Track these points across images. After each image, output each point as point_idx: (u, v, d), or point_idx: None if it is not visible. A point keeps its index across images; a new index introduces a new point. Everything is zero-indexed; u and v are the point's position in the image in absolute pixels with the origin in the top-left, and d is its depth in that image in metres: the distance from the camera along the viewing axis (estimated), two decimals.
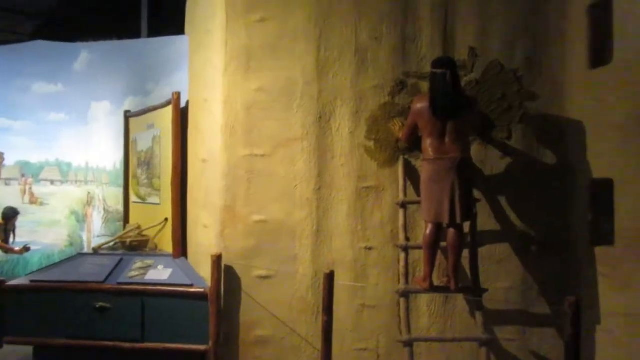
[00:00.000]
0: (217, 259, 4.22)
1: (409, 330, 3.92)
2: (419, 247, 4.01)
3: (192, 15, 5.17)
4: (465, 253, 4.03)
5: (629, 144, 3.73)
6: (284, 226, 4.33)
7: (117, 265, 4.85)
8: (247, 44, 4.36)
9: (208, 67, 4.66)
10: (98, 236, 6.60)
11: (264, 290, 4.31)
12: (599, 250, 4.03)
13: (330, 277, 3.57)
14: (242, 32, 4.37)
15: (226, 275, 4.31)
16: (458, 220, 3.76)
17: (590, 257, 4.09)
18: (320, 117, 4.34)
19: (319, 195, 4.33)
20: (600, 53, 4.02)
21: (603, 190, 3.95)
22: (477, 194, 4.16)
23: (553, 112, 4.26)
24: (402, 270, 4.06)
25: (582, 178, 4.16)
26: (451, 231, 3.83)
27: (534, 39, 4.26)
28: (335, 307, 3.71)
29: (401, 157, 4.24)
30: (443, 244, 3.94)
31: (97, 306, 4.48)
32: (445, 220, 3.77)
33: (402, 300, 4.00)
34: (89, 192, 6.92)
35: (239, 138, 4.38)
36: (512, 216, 4.27)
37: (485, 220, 4.24)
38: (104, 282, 4.62)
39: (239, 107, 4.38)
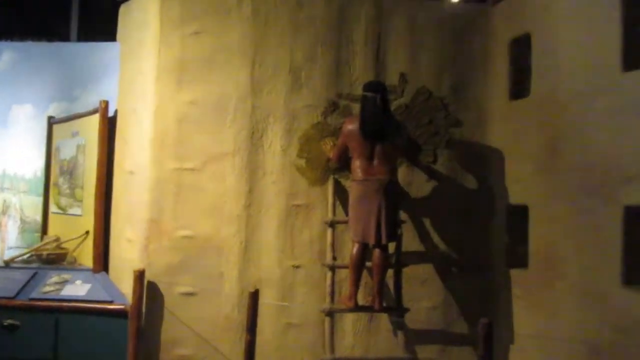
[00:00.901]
0: (139, 275, 4.07)
1: (332, 350, 3.94)
2: (346, 267, 4.06)
3: (125, 22, 5.03)
4: (390, 273, 4.13)
5: (542, 172, 3.96)
6: (211, 242, 4.25)
7: (30, 279, 4.55)
8: (181, 56, 4.30)
9: (139, 77, 4.53)
10: (11, 248, 6.20)
11: (188, 308, 4.20)
12: (514, 273, 4.24)
13: (255, 296, 3.54)
14: (176, 44, 4.30)
15: (148, 292, 4.17)
16: (384, 241, 3.85)
17: (506, 279, 4.29)
18: (253, 134, 4.33)
19: (248, 212, 4.30)
20: (520, 86, 4.28)
21: (519, 215, 4.17)
22: (403, 215, 4.28)
23: (476, 139, 4.49)
24: (328, 289, 4.08)
25: (500, 203, 4.38)
26: (377, 251, 3.90)
27: (460, 70, 4.49)
28: (260, 326, 3.68)
29: (331, 177, 4.30)
30: (369, 263, 4.01)
31: (6, 324, 4.20)
32: (372, 240, 3.84)
33: (327, 319, 4.02)
34: (4, 200, 6.50)
35: (168, 151, 4.28)
36: (436, 238, 4.42)
37: (410, 241, 4.36)
38: (14, 297, 4.32)
39: (170, 120, 4.29)
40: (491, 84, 4.48)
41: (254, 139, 4.33)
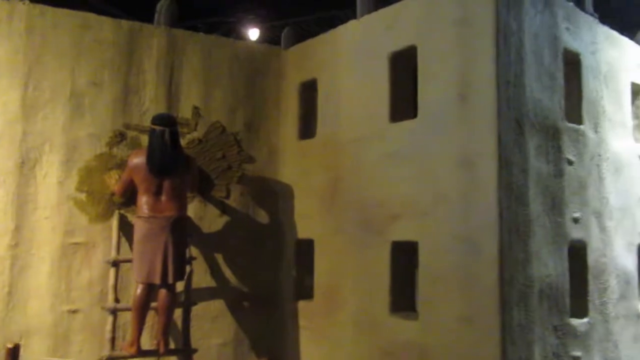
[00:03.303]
0: None
1: None
2: (129, 309, 3.79)
3: None
4: (179, 312, 3.97)
5: (325, 208, 4.23)
6: None
7: None
8: None
9: None
10: None
11: None
12: (301, 305, 4.42)
13: (13, 352, 3.08)
14: None
15: None
16: (170, 281, 3.69)
17: (294, 311, 4.45)
18: (23, 163, 3.84)
19: (14, 252, 3.77)
20: (308, 127, 4.55)
21: (306, 249, 4.38)
22: (194, 251, 4.17)
23: (268, 175, 4.62)
24: (108, 334, 3.75)
25: (290, 237, 4.55)
26: (162, 292, 3.72)
27: (254, 107, 4.60)
28: None
29: (116, 212, 4.01)
30: (155, 304, 3.80)
31: None
32: (157, 280, 3.66)
33: None
34: None
35: None
36: (228, 273, 4.40)
37: (201, 278, 4.27)
38: None
39: None
40: (283, 123, 4.68)
41: (25, 169, 3.84)
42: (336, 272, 4.11)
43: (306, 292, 4.42)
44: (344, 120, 4.14)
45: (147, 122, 4.04)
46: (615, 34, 4.23)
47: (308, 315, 4.35)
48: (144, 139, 4.05)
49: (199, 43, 4.42)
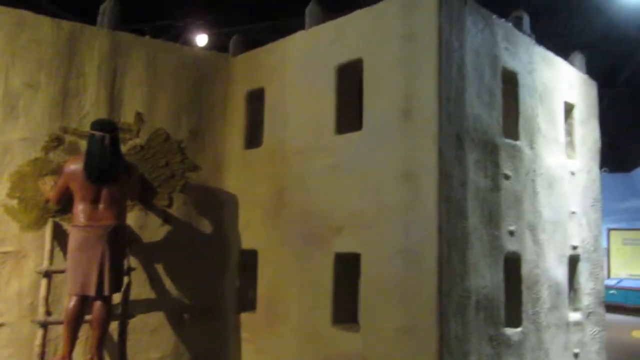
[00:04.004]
0: None
1: None
2: (61, 322, 3.61)
3: None
4: (115, 325, 3.83)
5: (270, 219, 4.21)
6: None
7: None
8: None
9: None
10: None
11: None
12: (244, 316, 4.36)
13: None
14: None
15: None
16: (106, 292, 3.55)
17: (237, 323, 4.38)
18: None
19: None
20: (254, 136, 4.51)
21: (250, 260, 4.34)
22: (133, 261, 4.04)
23: (213, 185, 4.54)
24: (37, 349, 3.56)
25: (234, 247, 4.49)
26: (97, 304, 3.57)
27: (199, 115, 4.52)
28: None
29: (50, 220, 3.83)
30: (89, 317, 3.65)
31: None
32: (92, 292, 3.51)
33: None
34: None
35: None
36: (168, 284, 4.29)
37: (141, 289, 4.14)
38: None
39: None
40: (229, 131, 4.62)
41: None
42: (280, 283, 4.09)
43: (249, 304, 4.37)
44: (290, 130, 4.14)
45: (86, 127, 3.90)
46: (550, 54, 4.44)
47: (250, 328, 4.30)
48: (83, 144, 3.90)
49: (144, 47, 4.31)
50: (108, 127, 3.67)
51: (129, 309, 3.89)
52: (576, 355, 4.31)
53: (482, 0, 3.80)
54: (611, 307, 11.67)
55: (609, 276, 13.77)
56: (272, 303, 4.13)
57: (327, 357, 3.67)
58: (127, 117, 4.20)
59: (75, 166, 3.61)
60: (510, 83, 3.98)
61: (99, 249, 3.52)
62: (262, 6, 7.84)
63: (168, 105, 4.38)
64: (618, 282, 13.42)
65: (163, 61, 4.38)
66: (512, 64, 3.96)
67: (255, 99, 4.51)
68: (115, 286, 3.62)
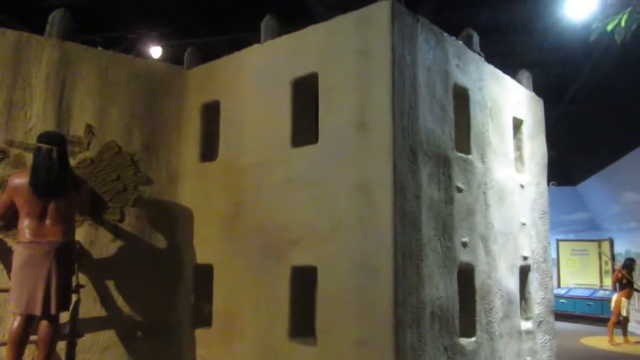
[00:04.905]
0: None
1: None
2: (5, 344, 3.44)
3: None
4: (63, 345, 3.67)
5: (226, 233, 4.15)
6: None
7: None
8: None
9: None
10: None
11: None
12: (199, 332, 4.26)
13: None
14: None
15: None
16: (53, 311, 3.41)
17: (192, 339, 4.28)
18: None
19: None
20: (210, 149, 4.46)
21: (205, 275, 4.25)
22: (82, 278, 3.90)
23: (167, 198, 4.45)
24: None
25: (189, 262, 4.40)
26: (43, 324, 3.43)
27: (152, 127, 4.43)
28: None
29: None
30: (34, 337, 3.49)
31: None
32: (37, 311, 3.36)
33: None
34: None
35: None
36: (120, 301, 4.15)
37: (90, 307, 3.99)
38: None
39: None
40: (184, 144, 4.55)
41: None
42: (236, 298, 4.03)
43: (205, 320, 4.28)
44: (246, 143, 4.11)
45: (32, 140, 3.77)
46: (499, 72, 4.60)
47: (206, 344, 4.20)
48: (29, 158, 3.77)
49: (95, 58, 4.22)
50: (55, 140, 3.55)
51: (77, 328, 3.75)
52: None
53: (434, 18, 3.91)
54: (561, 316, 12.10)
55: (558, 285, 14.26)
56: (228, 318, 4.06)
57: None
58: (76, 129, 4.09)
59: (20, 180, 3.47)
60: (461, 98, 4.10)
61: (46, 266, 3.38)
62: (217, 19, 7.81)
63: (120, 118, 4.28)
64: (567, 291, 13.90)
65: (115, 73, 4.30)
66: (462, 80, 4.08)
67: (211, 111, 4.47)
68: (63, 304, 3.48)
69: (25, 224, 3.44)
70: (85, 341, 3.91)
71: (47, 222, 3.48)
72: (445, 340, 3.56)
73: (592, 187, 14.43)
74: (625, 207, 12.68)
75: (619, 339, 9.77)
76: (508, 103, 4.67)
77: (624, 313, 9.77)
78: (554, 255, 13.75)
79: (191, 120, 4.55)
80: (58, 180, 3.49)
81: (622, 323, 9.86)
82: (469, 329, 3.83)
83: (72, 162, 3.87)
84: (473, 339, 3.82)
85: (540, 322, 4.72)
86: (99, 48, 4.38)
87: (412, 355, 3.24)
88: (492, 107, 4.39)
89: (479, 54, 4.37)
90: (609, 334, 9.81)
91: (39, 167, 3.46)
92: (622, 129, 10.36)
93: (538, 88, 5.30)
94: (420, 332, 3.34)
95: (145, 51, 8.28)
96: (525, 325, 4.51)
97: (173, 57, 7.58)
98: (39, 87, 3.97)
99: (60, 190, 3.50)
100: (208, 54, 4.83)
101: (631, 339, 9.98)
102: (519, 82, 5.00)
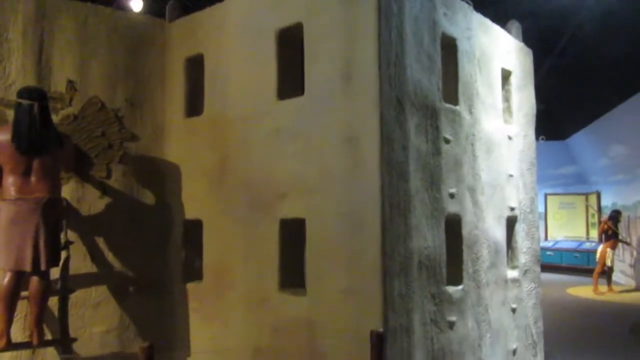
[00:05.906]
0: None
1: None
2: None
3: None
4: (55, 300, 3.71)
5: (214, 188, 4.14)
6: None
7: None
8: None
9: None
10: None
11: None
12: (190, 287, 4.31)
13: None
14: None
15: None
16: (43, 267, 3.42)
17: (183, 293, 4.33)
18: None
19: None
20: (195, 104, 4.40)
21: (194, 230, 4.27)
22: (71, 235, 3.90)
23: (153, 154, 4.41)
24: None
25: (177, 218, 4.41)
26: (34, 279, 3.45)
27: (135, 82, 4.35)
28: None
29: None
30: (26, 293, 3.52)
31: None
32: (27, 267, 3.38)
33: None
34: None
35: None
36: (110, 257, 4.18)
37: (80, 263, 4.02)
38: None
39: None
40: (168, 99, 4.48)
41: None
42: (226, 252, 4.06)
43: (196, 274, 4.32)
44: (231, 97, 4.05)
45: (13, 96, 3.69)
46: (488, 21, 4.53)
47: (198, 297, 4.26)
48: (10, 115, 3.70)
49: (73, 11, 4.09)
50: (36, 95, 3.48)
51: (68, 284, 3.77)
52: (514, 310, 4.54)
53: None
54: (548, 268, 12.38)
55: (546, 238, 14.53)
56: (219, 271, 4.10)
57: (274, 322, 3.70)
58: (57, 85, 4.00)
59: (2, 137, 3.41)
60: (449, 49, 4.04)
61: (33, 222, 3.38)
62: None
63: (102, 73, 4.19)
64: (554, 244, 14.18)
65: (95, 26, 4.18)
66: (450, 29, 4.01)
67: (195, 65, 4.38)
68: (52, 260, 3.50)
69: (10, 181, 3.41)
70: (77, 296, 3.95)
71: (32, 178, 3.45)
72: (433, 289, 3.63)
73: (580, 140, 14.52)
74: (613, 160, 12.80)
75: (603, 288, 10.05)
76: (497, 53, 4.61)
77: (608, 263, 10.02)
78: (541, 209, 13.94)
79: (175, 75, 4.46)
80: (41, 136, 3.44)
81: (607, 273, 10.12)
82: (456, 278, 3.90)
83: (55, 118, 3.81)
84: (460, 287, 3.89)
85: (526, 271, 4.82)
86: (76, 0, 4.21)
87: (400, 303, 3.31)
88: (480, 58, 4.34)
89: (468, 3, 4.28)
90: (594, 284, 10.09)
91: (21, 123, 3.40)
92: (611, 82, 10.34)
93: (528, 40, 5.23)
94: (408, 281, 3.40)
95: (125, 4, 8.03)
96: (512, 273, 4.60)
97: (154, 10, 7.36)
98: (17, 42, 3.86)
99: (43, 147, 3.45)
100: (190, 6, 4.69)
101: (615, 288, 10.27)
102: (508, 32, 4.93)
